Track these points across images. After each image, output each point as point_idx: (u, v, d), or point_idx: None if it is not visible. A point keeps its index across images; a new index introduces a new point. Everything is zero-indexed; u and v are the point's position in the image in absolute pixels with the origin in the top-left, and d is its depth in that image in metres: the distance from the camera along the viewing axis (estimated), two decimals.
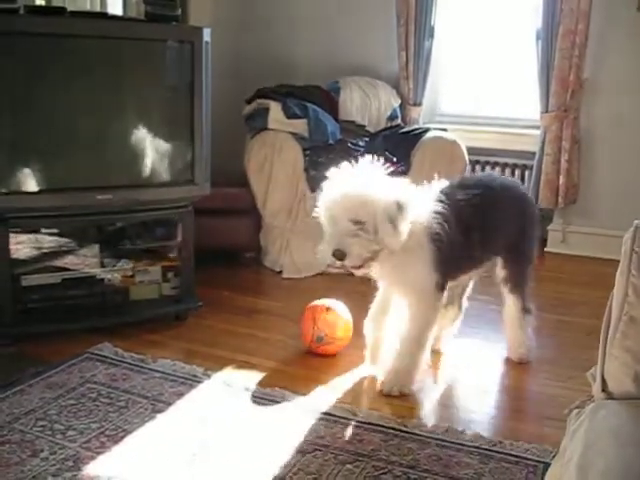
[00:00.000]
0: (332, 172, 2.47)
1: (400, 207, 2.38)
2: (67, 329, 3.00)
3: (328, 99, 4.29)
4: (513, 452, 2.19)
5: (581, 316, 3.43)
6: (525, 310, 2.87)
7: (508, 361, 2.94)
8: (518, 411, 2.55)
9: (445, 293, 2.64)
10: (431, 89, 4.80)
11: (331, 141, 3.95)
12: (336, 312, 2.90)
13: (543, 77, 4.35)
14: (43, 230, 3.15)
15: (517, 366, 2.91)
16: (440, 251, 2.48)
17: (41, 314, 3.02)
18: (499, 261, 2.83)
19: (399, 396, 2.56)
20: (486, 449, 2.21)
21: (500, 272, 2.84)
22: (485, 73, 4.90)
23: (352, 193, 2.38)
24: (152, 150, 3.09)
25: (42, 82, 2.84)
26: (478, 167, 4.67)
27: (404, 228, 2.39)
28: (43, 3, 3.82)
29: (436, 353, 2.89)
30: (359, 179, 2.42)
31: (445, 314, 2.89)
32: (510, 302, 2.87)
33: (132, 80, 3.04)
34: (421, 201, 2.50)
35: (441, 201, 2.52)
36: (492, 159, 4.68)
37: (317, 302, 2.93)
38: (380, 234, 2.37)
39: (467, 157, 4.03)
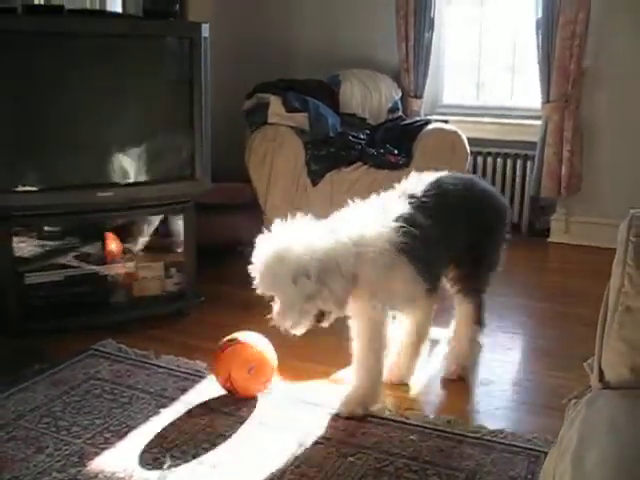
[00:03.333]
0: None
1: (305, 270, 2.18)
2: (71, 326, 3.02)
3: (328, 92, 4.29)
4: (515, 443, 2.20)
5: (582, 306, 3.41)
6: (478, 322, 2.67)
7: (510, 352, 2.94)
8: (519, 402, 2.55)
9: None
10: (432, 81, 4.79)
11: (332, 134, 3.94)
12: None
13: (544, 67, 4.33)
14: (46, 228, 3.16)
15: (520, 357, 2.92)
16: (415, 262, 2.31)
17: (45, 311, 3.04)
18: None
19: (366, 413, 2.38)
20: (488, 440, 2.22)
21: (454, 272, 2.61)
22: (486, 64, 4.89)
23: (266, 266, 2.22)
24: (152, 147, 3.10)
25: (41, 80, 2.85)
26: (480, 158, 4.67)
27: (333, 285, 2.21)
28: (42, 2, 3.81)
29: (398, 389, 2.62)
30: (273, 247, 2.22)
31: (411, 339, 2.66)
32: (462, 310, 2.67)
33: (131, 77, 3.04)
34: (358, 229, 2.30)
35: (410, 204, 2.38)
36: (494, 150, 4.67)
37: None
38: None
39: (469, 148, 4.02)
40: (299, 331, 2.28)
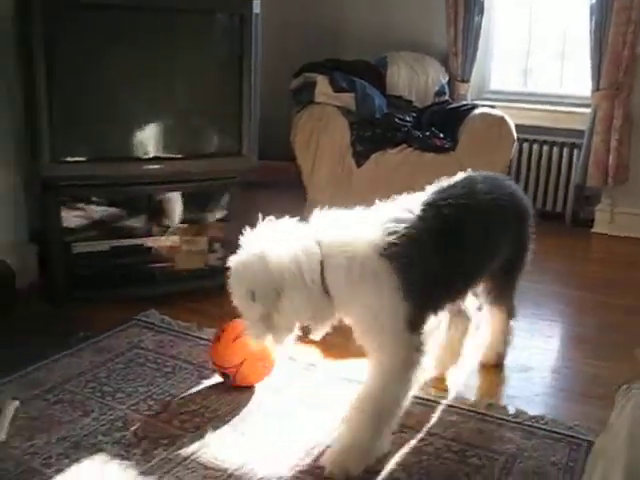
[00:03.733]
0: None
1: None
2: (115, 296, 3.08)
3: (375, 74, 4.27)
4: (556, 429, 2.19)
5: (623, 297, 3.38)
6: (510, 316, 2.61)
7: (549, 339, 2.92)
8: (558, 389, 2.53)
9: (424, 335, 2.00)
10: (479, 65, 4.74)
11: (378, 115, 3.93)
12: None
13: (595, 54, 4.25)
14: (94, 199, 3.20)
15: (559, 345, 2.90)
16: (406, 274, 1.89)
17: (90, 281, 3.09)
18: None
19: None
20: (529, 425, 2.21)
21: (483, 286, 2.45)
22: (535, 50, 4.82)
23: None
24: (201, 122, 3.13)
25: (96, 53, 2.88)
26: (526, 145, 4.61)
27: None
28: None
29: (440, 381, 2.49)
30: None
31: (453, 334, 2.54)
32: (494, 314, 2.58)
33: (182, 52, 3.06)
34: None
35: (412, 212, 2.00)
36: (540, 137, 4.60)
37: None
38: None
39: (515, 134, 3.98)
40: (280, 343, 1.98)
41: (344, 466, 1.90)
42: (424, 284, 1.94)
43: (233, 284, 1.94)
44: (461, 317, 2.53)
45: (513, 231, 2.35)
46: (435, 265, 1.97)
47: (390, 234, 1.89)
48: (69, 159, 2.91)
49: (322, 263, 1.89)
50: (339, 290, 1.90)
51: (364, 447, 1.93)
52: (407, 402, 1.98)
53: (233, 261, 1.94)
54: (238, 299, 1.94)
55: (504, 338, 2.63)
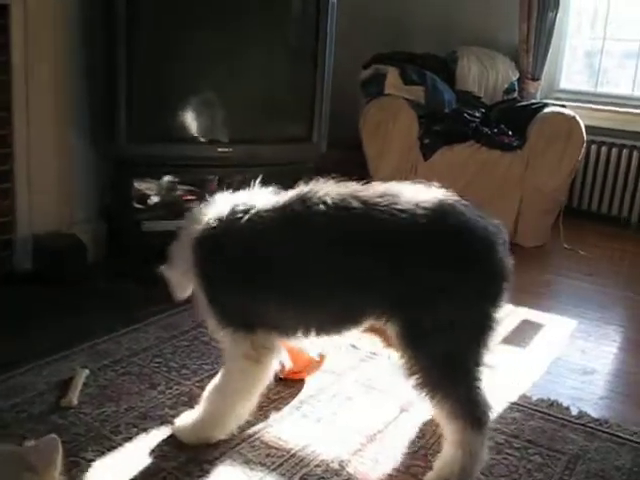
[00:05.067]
0: None
1: None
2: None
3: (445, 68, 4.25)
4: (620, 434, 2.15)
5: None
6: (471, 424, 1.74)
7: (614, 343, 2.88)
8: (622, 393, 2.49)
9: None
10: (550, 64, 4.66)
11: (447, 110, 3.92)
12: None
13: None
14: (165, 179, 3.27)
15: (624, 349, 2.84)
16: (207, 271, 1.85)
17: (158, 259, 3.15)
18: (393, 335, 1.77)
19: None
20: (592, 427, 2.18)
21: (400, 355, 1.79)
22: (609, 49, 4.72)
23: None
24: (273, 108, 3.17)
25: (174, 37, 2.94)
26: (594, 147, 4.53)
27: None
28: None
29: None
30: None
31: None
32: (441, 421, 1.84)
33: (258, 38, 3.10)
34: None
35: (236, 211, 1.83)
36: (609, 139, 4.51)
37: None
38: None
39: (585, 136, 3.91)
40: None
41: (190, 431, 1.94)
42: (224, 290, 1.85)
43: None
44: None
45: (449, 282, 1.67)
46: (233, 278, 1.82)
47: (212, 224, 1.83)
48: (143, 139, 2.98)
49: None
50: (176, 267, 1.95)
51: (208, 421, 1.94)
52: (257, 391, 1.95)
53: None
54: None
55: (462, 453, 1.76)
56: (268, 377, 1.94)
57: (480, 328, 1.71)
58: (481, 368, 1.75)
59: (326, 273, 1.73)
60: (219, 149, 3.06)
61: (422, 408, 2.08)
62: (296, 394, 2.27)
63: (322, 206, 1.71)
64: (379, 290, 1.71)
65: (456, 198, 1.76)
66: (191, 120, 3.07)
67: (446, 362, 1.72)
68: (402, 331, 1.72)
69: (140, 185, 3.19)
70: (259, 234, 1.77)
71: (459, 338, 1.70)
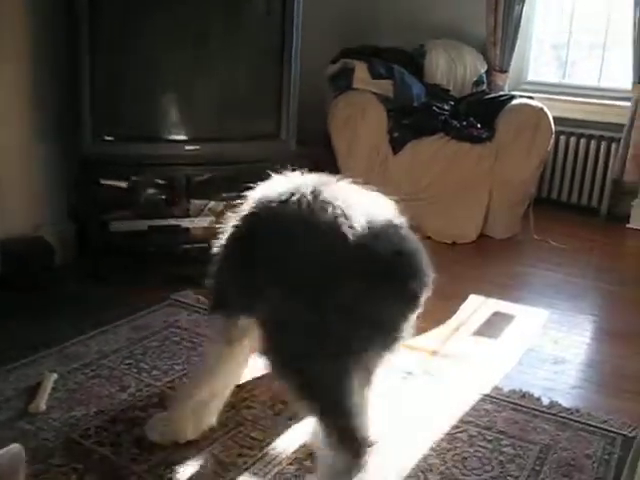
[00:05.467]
0: None
1: None
2: (151, 275, 3.10)
3: (413, 61, 4.25)
4: (591, 422, 2.17)
5: None
6: (350, 450, 1.56)
7: (585, 333, 2.90)
8: (594, 383, 2.51)
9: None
10: (518, 56, 4.68)
11: (416, 103, 3.92)
12: None
13: (638, 46, 4.18)
14: (132, 178, 3.22)
15: (595, 339, 2.87)
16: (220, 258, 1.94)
17: (127, 260, 3.12)
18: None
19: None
20: (563, 417, 2.20)
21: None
22: (576, 41, 4.75)
23: None
24: (240, 105, 3.14)
25: (138, 32, 2.91)
26: (563, 138, 4.56)
27: None
28: None
29: None
30: None
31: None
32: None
33: (223, 34, 3.07)
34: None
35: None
36: (578, 130, 4.55)
37: None
38: None
39: (554, 127, 3.94)
40: None
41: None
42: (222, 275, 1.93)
43: None
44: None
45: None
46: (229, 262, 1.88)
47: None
48: (109, 138, 2.94)
49: None
50: None
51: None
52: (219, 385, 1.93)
53: None
54: None
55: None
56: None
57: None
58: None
59: None
60: (186, 147, 3.03)
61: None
62: (268, 393, 2.25)
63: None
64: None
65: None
66: (157, 119, 3.04)
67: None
68: None
69: (107, 185, 3.14)
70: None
71: None
